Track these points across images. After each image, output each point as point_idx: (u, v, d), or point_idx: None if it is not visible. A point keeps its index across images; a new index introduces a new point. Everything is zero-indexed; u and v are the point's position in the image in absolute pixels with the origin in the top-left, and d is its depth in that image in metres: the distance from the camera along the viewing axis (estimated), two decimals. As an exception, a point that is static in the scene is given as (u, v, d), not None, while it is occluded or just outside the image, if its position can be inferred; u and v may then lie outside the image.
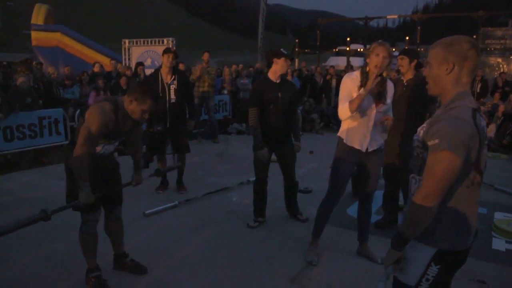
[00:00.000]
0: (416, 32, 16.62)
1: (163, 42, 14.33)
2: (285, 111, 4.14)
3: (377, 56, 3.12)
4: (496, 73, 14.15)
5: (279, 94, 4.06)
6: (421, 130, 1.83)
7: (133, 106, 2.86)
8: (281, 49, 4.11)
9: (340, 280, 3.32)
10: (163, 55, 5.23)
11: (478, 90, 11.92)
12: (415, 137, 1.85)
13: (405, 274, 1.85)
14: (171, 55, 5.16)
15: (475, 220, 1.82)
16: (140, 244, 3.88)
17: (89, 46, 14.69)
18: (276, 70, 4.08)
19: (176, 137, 5.35)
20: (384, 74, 3.25)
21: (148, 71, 13.58)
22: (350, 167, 3.50)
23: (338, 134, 3.53)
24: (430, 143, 1.67)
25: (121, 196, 3.32)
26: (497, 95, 11.23)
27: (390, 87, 3.39)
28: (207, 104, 9.18)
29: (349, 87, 3.29)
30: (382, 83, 3.24)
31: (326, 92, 12.39)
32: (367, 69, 3.21)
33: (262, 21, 13.80)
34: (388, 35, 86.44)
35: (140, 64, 10.55)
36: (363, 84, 3.22)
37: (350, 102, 3.18)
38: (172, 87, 5.18)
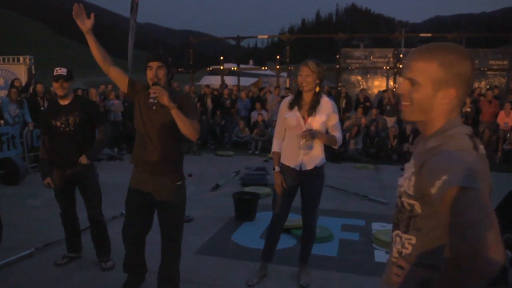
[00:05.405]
0: (284, 51, 17.54)
1: (18, 60, 12.95)
2: (79, 133, 3.72)
3: (300, 76, 3.27)
4: (357, 90, 15.46)
5: (67, 117, 3.68)
6: (402, 180, 1.39)
7: None
8: (56, 69, 3.66)
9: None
10: None
11: (343, 106, 12.83)
12: (399, 187, 1.43)
13: None
14: None
15: None
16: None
17: None
18: (58, 92, 3.72)
19: None
20: (317, 89, 3.31)
21: (0, 93, 11.99)
22: (288, 186, 3.40)
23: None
24: (433, 189, 1.18)
25: None
26: (359, 110, 12.19)
27: (325, 102, 3.33)
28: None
29: (282, 113, 3.40)
30: (315, 98, 3.30)
31: (202, 111, 12.33)
32: (299, 88, 3.35)
33: (132, 40, 13.13)
34: (258, 55, 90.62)
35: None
36: (295, 102, 3.33)
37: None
38: None
